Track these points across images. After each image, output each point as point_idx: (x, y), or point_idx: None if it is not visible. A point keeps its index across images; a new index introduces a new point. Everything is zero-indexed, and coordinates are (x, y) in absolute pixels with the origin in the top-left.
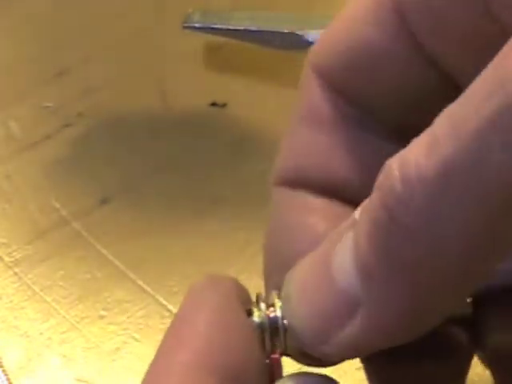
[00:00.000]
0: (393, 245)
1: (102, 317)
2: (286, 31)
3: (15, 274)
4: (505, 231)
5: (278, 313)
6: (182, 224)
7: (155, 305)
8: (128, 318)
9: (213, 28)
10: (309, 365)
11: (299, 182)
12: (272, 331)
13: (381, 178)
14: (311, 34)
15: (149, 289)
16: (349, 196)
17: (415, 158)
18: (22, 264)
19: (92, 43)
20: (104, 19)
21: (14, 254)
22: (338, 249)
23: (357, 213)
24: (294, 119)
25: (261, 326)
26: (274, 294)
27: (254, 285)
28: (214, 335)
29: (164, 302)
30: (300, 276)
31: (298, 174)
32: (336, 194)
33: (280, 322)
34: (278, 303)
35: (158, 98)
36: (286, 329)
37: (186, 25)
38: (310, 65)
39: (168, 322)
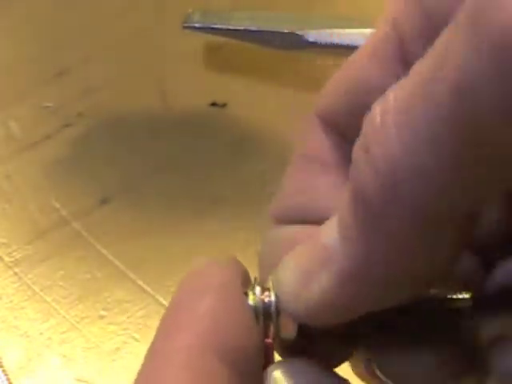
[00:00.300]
0: (365, 180)
1: (101, 317)
2: (285, 31)
3: (15, 273)
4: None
5: (272, 297)
6: (182, 224)
7: (155, 305)
8: (128, 317)
9: (213, 28)
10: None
11: (296, 221)
12: (265, 316)
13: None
14: (311, 34)
15: (149, 289)
16: None
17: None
18: (21, 264)
19: (92, 43)
20: (104, 19)
21: (14, 253)
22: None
23: None
24: (295, 160)
25: (255, 310)
26: (270, 278)
27: None
28: (216, 317)
29: (164, 302)
30: (295, 250)
31: (297, 213)
32: None
33: (273, 306)
34: (273, 288)
35: (158, 98)
36: (278, 314)
37: (185, 25)
38: (314, 110)
39: None
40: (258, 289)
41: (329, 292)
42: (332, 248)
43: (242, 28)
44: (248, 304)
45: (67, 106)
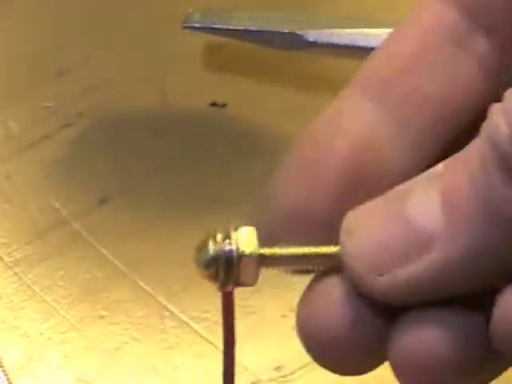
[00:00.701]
0: (496, 184)
1: (102, 317)
2: (286, 31)
3: (15, 273)
4: None
5: (234, 246)
6: (182, 224)
7: (155, 305)
8: (128, 317)
9: (213, 28)
10: None
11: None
12: (227, 264)
13: (486, 123)
14: (311, 34)
15: (149, 289)
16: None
17: None
18: (21, 264)
19: (92, 43)
20: (104, 19)
21: (14, 254)
22: (415, 190)
23: (439, 167)
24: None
25: (216, 259)
26: (231, 227)
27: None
28: None
29: (164, 302)
30: (364, 213)
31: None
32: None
33: (235, 254)
34: (235, 235)
35: (158, 98)
36: (240, 261)
37: (185, 25)
38: None
39: (168, 321)
40: (219, 236)
41: (420, 278)
42: (432, 233)
43: (241, 28)
44: (208, 253)
45: (67, 106)
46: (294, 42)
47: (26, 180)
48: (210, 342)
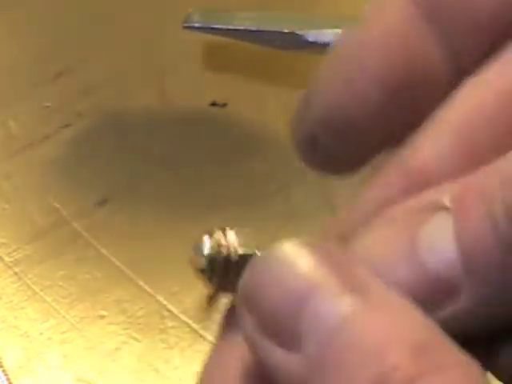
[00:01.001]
0: None
1: (102, 317)
2: (286, 31)
3: (15, 273)
4: None
5: (230, 247)
6: (182, 224)
7: (155, 305)
8: (128, 317)
9: (213, 28)
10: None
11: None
12: (223, 266)
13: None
14: (311, 34)
15: (149, 289)
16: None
17: None
18: (21, 264)
19: (92, 43)
20: (104, 19)
21: (14, 254)
22: (424, 225)
23: (446, 197)
24: None
25: (212, 261)
26: (227, 227)
27: None
28: None
29: (164, 302)
30: (374, 245)
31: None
32: None
33: (232, 255)
34: (231, 236)
35: (158, 98)
36: (237, 263)
37: (185, 25)
38: None
39: (168, 322)
40: (215, 238)
41: (445, 323)
42: (452, 283)
43: (241, 28)
44: (204, 253)
45: (67, 106)
46: (294, 42)
47: (25, 180)
48: (210, 342)
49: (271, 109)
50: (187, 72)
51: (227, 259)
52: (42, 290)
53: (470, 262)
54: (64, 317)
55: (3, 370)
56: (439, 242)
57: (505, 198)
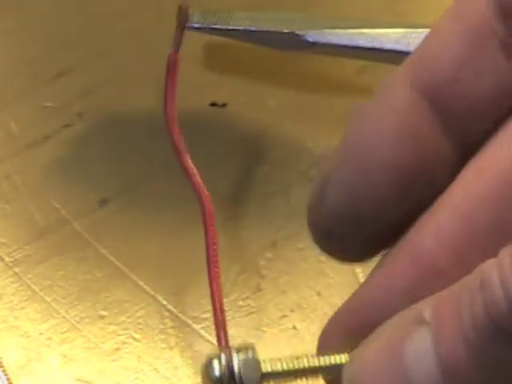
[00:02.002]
0: (495, 353)
1: (102, 317)
2: (285, 31)
3: (15, 273)
4: None
5: (236, 368)
6: (182, 224)
7: (155, 305)
8: (128, 317)
9: (213, 28)
10: None
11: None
12: None
13: (477, 282)
14: (311, 34)
15: (149, 289)
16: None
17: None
18: (21, 264)
19: (92, 43)
20: (104, 19)
21: (14, 254)
22: (408, 337)
23: (426, 311)
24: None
25: (220, 380)
26: (233, 349)
27: (255, 285)
28: None
29: (164, 302)
30: (367, 360)
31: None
32: None
33: (238, 377)
34: (237, 357)
35: (158, 98)
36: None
37: (185, 25)
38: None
39: (168, 322)
40: (223, 357)
41: None
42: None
43: (241, 28)
44: (213, 373)
45: (67, 106)
46: (294, 42)
47: (25, 180)
48: (210, 342)
49: (271, 109)
50: (187, 72)
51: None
52: (41, 290)
53: (449, 378)
54: (64, 317)
55: (3, 370)
56: (421, 353)
57: (473, 311)
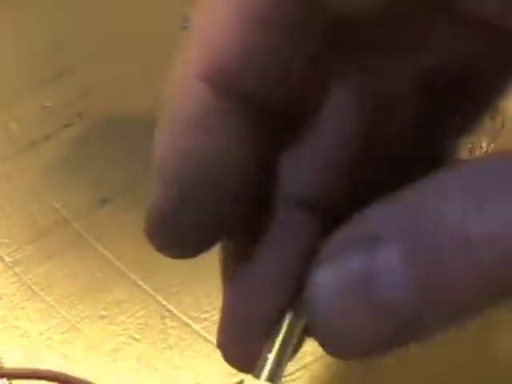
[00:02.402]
0: None
1: (102, 317)
2: None
3: (15, 273)
4: None
5: None
6: None
7: (155, 305)
8: (128, 317)
9: None
10: None
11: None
12: None
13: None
14: None
15: (149, 289)
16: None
17: None
18: (21, 264)
19: (92, 43)
20: (104, 19)
21: (14, 254)
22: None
23: None
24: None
25: None
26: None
27: None
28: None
29: (164, 302)
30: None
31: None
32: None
33: None
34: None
35: (158, 98)
36: None
37: (185, 25)
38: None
39: (168, 322)
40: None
41: (380, 339)
42: (391, 300)
43: None
44: None
45: (67, 106)
46: None
47: (25, 180)
48: (210, 342)
49: None
50: None
51: None
52: (41, 290)
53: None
54: (64, 317)
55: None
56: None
57: None
